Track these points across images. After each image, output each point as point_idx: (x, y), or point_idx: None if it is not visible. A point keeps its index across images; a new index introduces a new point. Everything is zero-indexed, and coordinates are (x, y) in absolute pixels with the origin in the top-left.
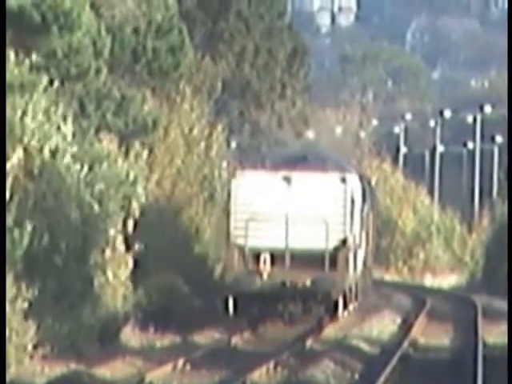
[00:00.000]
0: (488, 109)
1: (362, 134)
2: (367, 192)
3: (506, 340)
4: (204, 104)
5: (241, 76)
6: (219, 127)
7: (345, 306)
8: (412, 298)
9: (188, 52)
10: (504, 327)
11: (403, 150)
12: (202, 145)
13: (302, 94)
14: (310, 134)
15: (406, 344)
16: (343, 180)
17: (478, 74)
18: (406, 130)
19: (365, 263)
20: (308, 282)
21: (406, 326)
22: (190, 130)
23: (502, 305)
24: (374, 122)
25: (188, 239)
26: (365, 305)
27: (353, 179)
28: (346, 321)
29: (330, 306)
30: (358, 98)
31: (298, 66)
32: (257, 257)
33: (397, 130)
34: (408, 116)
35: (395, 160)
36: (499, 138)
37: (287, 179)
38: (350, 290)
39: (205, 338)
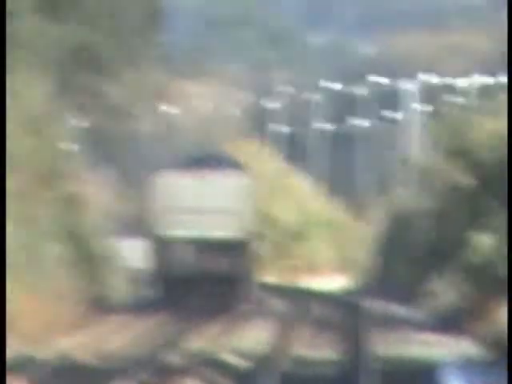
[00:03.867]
0: (378, 80)
1: (231, 110)
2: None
3: (401, 351)
4: (44, 77)
5: (86, 43)
6: (60, 104)
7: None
8: (290, 303)
9: (23, 16)
10: (399, 336)
11: (279, 128)
12: (42, 125)
13: (158, 63)
14: (174, 110)
15: (284, 358)
16: (250, 177)
17: (366, 38)
18: (282, 106)
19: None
20: (221, 266)
21: (284, 337)
22: (30, 109)
23: (397, 310)
24: (245, 96)
25: (23, 237)
26: (234, 312)
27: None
28: (212, 330)
29: (240, 287)
30: (225, 69)
31: (153, 29)
32: (175, 246)
33: (272, 105)
34: (285, 89)
35: (270, 140)
36: (395, 114)
37: (201, 177)
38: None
39: (47, 352)
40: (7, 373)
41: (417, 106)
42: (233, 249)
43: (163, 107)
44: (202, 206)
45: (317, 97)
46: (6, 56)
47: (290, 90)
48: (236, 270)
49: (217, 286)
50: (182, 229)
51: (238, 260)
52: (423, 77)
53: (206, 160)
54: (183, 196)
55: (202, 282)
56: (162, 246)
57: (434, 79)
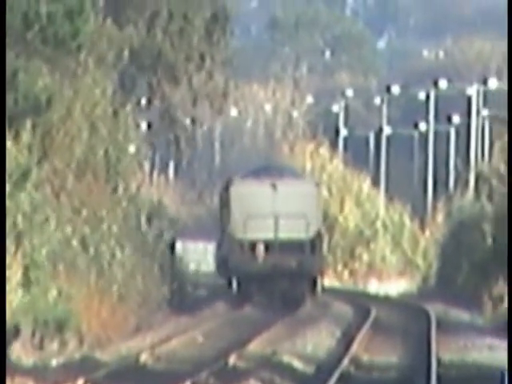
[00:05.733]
0: (443, 84)
1: (295, 113)
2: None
3: (464, 357)
4: (109, 78)
5: (152, 45)
6: (127, 105)
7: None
8: (354, 307)
9: (88, 17)
10: (462, 341)
11: (343, 132)
12: (107, 126)
13: (223, 66)
14: (233, 112)
15: (346, 361)
16: (317, 185)
17: (431, 42)
18: (346, 109)
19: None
20: (293, 264)
21: (347, 340)
22: (93, 108)
23: (460, 315)
24: (309, 99)
25: (86, 238)
26: (298, 315)
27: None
28: (276, 333)
29: (310, 283)
30: (290, 72)
31: (219, 33)
32: (253, 246)
33: (336, 108)
34: (349, 92)
35: (334, 144)
36: (456, 118)
37: (273, 185)
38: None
39: (109, 354)
40: (69, 373)
41: (479, 110)
42: (302, 248)
43: (227, 110)
44: (275, 211)
45: (379, 100)
46: (5, 56)
47: (353, 92)
48: (304, 267)
49: (287, 282)
50: (259, 232)
51: (307, 258)
52: (488, 81)
53: (270, 170)
54: (259, 203)
55: (275, 278)
56: (241, 247)
57: (497, 84)
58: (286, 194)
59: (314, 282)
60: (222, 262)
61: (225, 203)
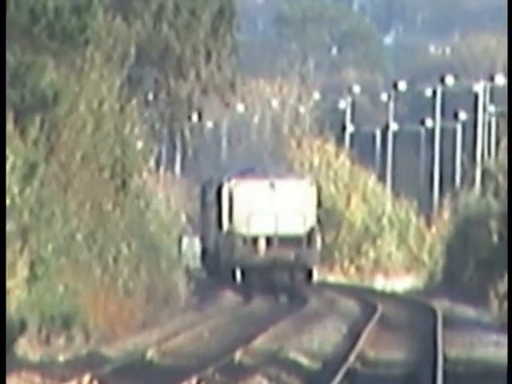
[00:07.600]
0: (450, 80)
1: (302, 109)
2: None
3: (470, 354)
4: (116, 73)
5: (158, 39)
6: (133, 100)
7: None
8: (360, 304)
9: (96, 12)
10: (468, 338)
11: (350, 128)
12: (114, 121)
13: (229, 60)
14: (240, 108)
15: (352, 358)
16: (312, 183)
17: (438, 39)
18: (353, 105)
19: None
20: (292, 257)
21: (353, 337)
22: (100, 103)
23: (466, 312)
24: (316, 96)
25: (92, 234)
26: (304, 311)
27: (315, 182)
28: (282, 329)
29: (307, 273)
30: (296, 67)
31: (225, 28)
32: (254, 241)
33: (342, 104)
34: (356, 88)
35: (340, 140)
36: (463, 115)
37: (272, 185)
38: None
39: (116, 350)
40: (75, 369)
41: (485, 107)
42: (299, 242)
43: (234, 104)
44: (275, 209)
45: (386, 97)
46: (5, 56)
47: (360, 89)
48: (301, 259)
49: (286, 273)
50: (261, 228)
51: (304, 251)
52: (495, 78)
53: (255, 170)
54: (260, 201)
55: (275, 270)
56: (243, 242)
57: (504, 80)
58: (284, 192)
59: (310, 273)
60: (210, 256)
61: (218, 201)
